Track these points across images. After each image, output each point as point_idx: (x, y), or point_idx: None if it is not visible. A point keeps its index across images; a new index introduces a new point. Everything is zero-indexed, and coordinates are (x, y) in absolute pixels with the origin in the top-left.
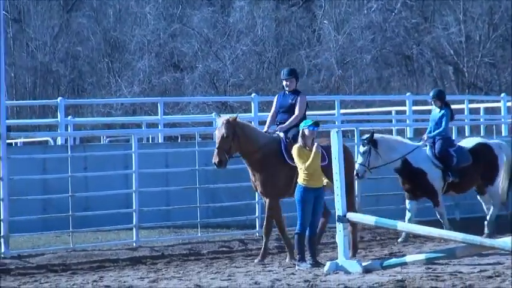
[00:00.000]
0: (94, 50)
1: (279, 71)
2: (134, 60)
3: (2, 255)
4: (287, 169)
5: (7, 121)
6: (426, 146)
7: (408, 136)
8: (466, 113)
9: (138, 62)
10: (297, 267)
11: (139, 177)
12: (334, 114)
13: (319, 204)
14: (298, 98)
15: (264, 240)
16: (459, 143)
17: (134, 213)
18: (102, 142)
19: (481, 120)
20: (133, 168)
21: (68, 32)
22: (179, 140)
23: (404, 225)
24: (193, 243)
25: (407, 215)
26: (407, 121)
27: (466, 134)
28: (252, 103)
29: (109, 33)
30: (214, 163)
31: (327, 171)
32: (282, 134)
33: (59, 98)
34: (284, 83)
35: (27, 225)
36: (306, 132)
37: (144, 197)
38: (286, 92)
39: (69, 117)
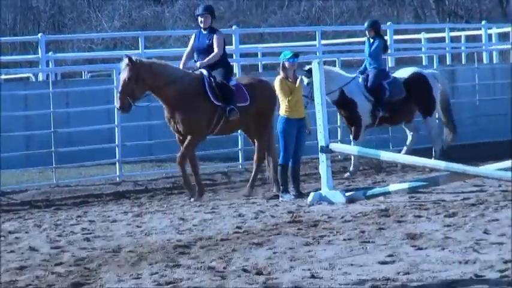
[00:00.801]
0: None
1: (259, 2)
2: None
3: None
4: (210, 108)
5: None
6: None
7: (389, 65)
8: (447, 41)
9: None
10: (280, 199)
11: None
12: (316, 45)
13: (301, 135)
14: (215, 36)
15: (195, 179)
16: (394, 74)
17: (117, 148)
18: (83, 77)
19: (462, 48)
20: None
21: None
22: None
23: (387, 155)
24: (176, 176)
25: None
26: (388, 51)
27: (448, 63)
28: (233, 35)
29: None
30: (117, 108)
31: (247, 111)
32: (205, 72)
33: (40, 34)
34: (199, 19)
35: (11, 162)
36: (286, 64)
37: (127, 132)
38: (202, 30)
39: (50, 53)
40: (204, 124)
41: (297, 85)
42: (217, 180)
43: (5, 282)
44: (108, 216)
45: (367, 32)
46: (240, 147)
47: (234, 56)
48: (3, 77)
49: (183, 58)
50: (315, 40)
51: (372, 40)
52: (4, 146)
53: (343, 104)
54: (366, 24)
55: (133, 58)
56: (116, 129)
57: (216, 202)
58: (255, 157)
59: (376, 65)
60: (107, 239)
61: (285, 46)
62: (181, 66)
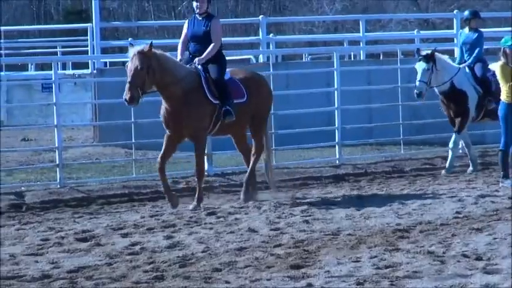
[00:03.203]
0: None
1: None
2: None
3: (206, 173)
4: (209, 106)
5: None
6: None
7: None
8: None
9: None
10: (500, 184)
11: (342, 94)
12: None
13: None
14: (213, 24)
15: (197, 185)
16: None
17: (337, 131)
18: (304, 60)
19: None
20: (336, 86)
21: None
22: (381, 58)
23: None
24: (396, 160)
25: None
26: None
27: None
28: (454, 20)
29: None
30: (125, 99)
31: (245, 108)
32: (200, 67)
33: (261, 16)
34: (194, 4)
35: (229, 144)
36: (507, 50)
37: (347, 115)
38: (197, 15)
39: (271, 35)
40: (207, 127)
41: None
42: (436, 165)
43: (225, 263)
44: (328, 199)
45: (469, 22)
46: None
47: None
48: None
49: (179, 47)
50: None
51: (473, 32)
52: None
53: (453, 95)
54: (467, 14)
55: (144, 47)
56: (336, 111)
57: (435, 187)
58: (253, 158)
59: (479, 55)
60: (326, 222)
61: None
62: (179, 58)
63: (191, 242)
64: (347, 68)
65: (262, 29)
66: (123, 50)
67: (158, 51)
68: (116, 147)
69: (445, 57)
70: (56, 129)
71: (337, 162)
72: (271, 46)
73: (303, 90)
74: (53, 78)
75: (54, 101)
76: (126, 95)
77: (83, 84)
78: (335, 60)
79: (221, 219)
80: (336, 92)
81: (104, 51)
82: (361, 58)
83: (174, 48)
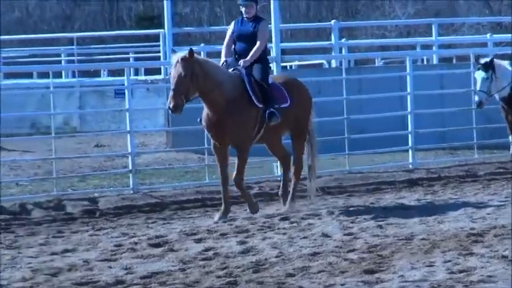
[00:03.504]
0: None
1: None
2: None
3: (279, 178)
4: (254, 110)
5: (281, 44)
6: None
7: None
8: None
9: None
10: None
11: (415, 99)
12: None
13: None
14: (261, 26)
15: (222, 194)
16: None
17: (410, 135)
18: (376, 64)
19: None
20: (408, 90)
21: None
22: (454, 61)
23: None
24: (469, 164)
25: None
26: None
27: None
28: None
29: None
30: (169, 108)
31: (287, 113)
32: (243, 70)
33: (333, 21)
34: (243, 9)
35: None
36: None
37: (420, 119)
38: (245, 18)
39: (343, 39)
40: (252, 133)
41: None
42: (510, 169)
43: (298, 268)
44: (401, 203)
45: None
46: None
47: None
48: (296, 63)
49: (223, 51)
50: None
51: None
52: None
53: None
54: None
55: (186, 54)
56: (409, 116)
57: (509, 191)
58: (292, 169)
59: None
60: (399, 227)
61: None
62: (222, 60)
63: (264, 247)
64: (420, 72)
65: (335, 33)
66: None
67: (200, 57)
68: (189, 153)
69: (505, 63)
70: (128, 135)
71: (411, 166)
72: (343, 51)
73: (376, 95)
74: (126, 84)
75: (127, 106)
76: (170, 103)
77: (156, 89)
78: (408, 64)
79: (294, 224)
80: (408, 96)
81: None
82: (434, 62)
83: None
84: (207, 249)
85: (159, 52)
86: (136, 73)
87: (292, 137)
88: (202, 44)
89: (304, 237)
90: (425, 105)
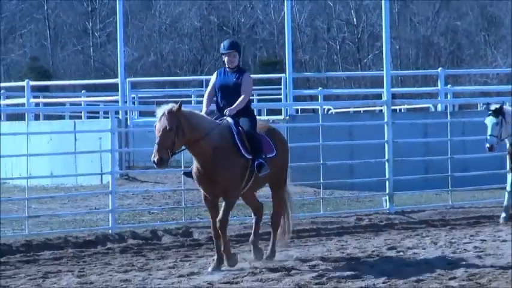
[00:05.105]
0: (472, 24)
1: None
2: (509, 33)
3: (387, 211)
4: (242, 161)
5: (392, 89)
6: None
7: None
8: None
9: None
10: None
11: None
12: None
13: None
14: (244, 77)
15: (222, 243)
16: None
17: (508, 175)
18: (478, 109)
19: None
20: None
21: (448, 7)
22: None
23: None
24: None
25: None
26: None
27: None
28: None
29: (485, 9)
30: (154, 161)
31: (271, 163)
32: (231, 120)
33: (439, 69)
34: (225, 58)
35: (410, 184)
36: None
37: None
38: (227, 69)
39: (449, 85)
40: (240, 183)
41: None
42: None
43: None
44: (499, 236)
45: None
46: None
47: None
48: (405, 106)
49: (205, 101)
50: None
51: None
52: (404, 169)
53: None
54: None
55: (173, 107)
56: (507, 156)
57: None
58: (272, 216)
59: None
60: (497, 257)
61: None
62: (204, 110)
63: (373, 274)
64: None
65: (441, 80)
66: (313, 98)
67: (186, 109)
68: (306, 187)
69: (510, 108)
70: None
71: None
72: (448, 96)
73: (478, 137)
74: None
75: None
76: (155, 156)
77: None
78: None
79: (401, 253)
80: (506, 139)
81: (296, 99)
82: None
83: (361, 97)
84: (320, 275)
85: (280, 94)
86: (260, 113)
87: (272, 188)
88: (320, 88)
89: (409, 266)
90: None
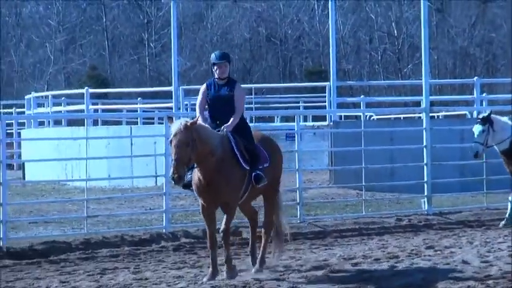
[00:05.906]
0: (506, 35)
1: None
2: None
3: (426, 212)
4: (241, 172)
5: (430, 97)
6: None
7: None
8: None
9: None
10: None
11: None
12: None
13: None
14: (237, 89)
15: (211, 258)
16: None
17: None
18: None
19: None
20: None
21: (484, 20)
22: None
23: None
24: None
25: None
26: None
27: None
28: None
29: None
30: (173, 178)
31: (268, 173)
32: (229, 133)
33: (475, 78)
34: (216, 69)
35: (447, 187)
36: None
37: None
38: (216, 79)
39: (484, 94)
40: (240, 193)
41: None
42: None
43: None
44: None
45: None
46: None
47: None
48: (443, 113)
49: (198, 110)
50: None
51: None
52: (442, 173)
53: None
54: None
55: (187, 122)
56: None
57: None
58: (264, 224)
59: None
60: None
61: None
62: (198, 116)
63: (412, 271)
64: None
65: (476, 88)
66: (356, 105)
67: (199, 124)
68: (349, 189)
69: (504, 118)
70: (297, 172)
71: None
72: (483, 103)
73: None
74: (296, 129)
75: (296, 148)
76: (174, 174)
77: (321, 134)
78: None
79: (438, 252)
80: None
81: (339, 106)
82: None
83: (401, 105)
84: (362, 272)
85: (324, 102)
86: (305, 119)
87: (264, 197)
88: (362, 96)
89: (447, 264)
90: None
